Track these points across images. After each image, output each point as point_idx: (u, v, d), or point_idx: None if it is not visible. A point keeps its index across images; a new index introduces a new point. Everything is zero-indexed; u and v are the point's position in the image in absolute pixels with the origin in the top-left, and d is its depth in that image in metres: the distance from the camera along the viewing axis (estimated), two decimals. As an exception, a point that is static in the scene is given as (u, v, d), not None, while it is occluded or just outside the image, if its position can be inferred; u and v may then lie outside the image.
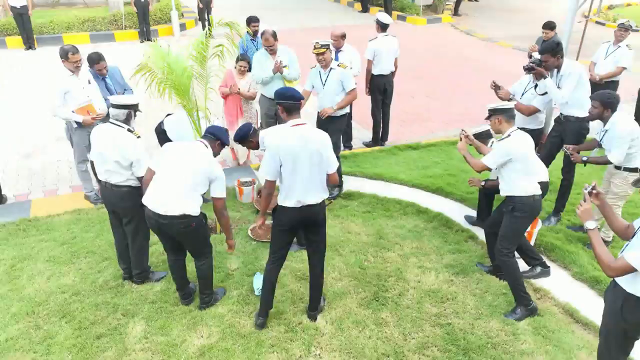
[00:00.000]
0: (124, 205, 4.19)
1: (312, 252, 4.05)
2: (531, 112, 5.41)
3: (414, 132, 8.48)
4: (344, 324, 4.06)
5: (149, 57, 4.83)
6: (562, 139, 5.43)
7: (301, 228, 3.95)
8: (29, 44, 12.91)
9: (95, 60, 5.65)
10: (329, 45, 5.61)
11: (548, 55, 5.08)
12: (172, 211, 3.69)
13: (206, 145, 3.88)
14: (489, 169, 4.25)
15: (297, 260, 4.85)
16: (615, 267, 2.79)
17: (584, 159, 4.77)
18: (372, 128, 7.59)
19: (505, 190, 4.19)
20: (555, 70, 5.24)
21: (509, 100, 5.45)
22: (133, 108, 4.11)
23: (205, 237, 4.05)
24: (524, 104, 5.49)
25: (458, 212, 5.71)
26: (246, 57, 6.40)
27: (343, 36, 6.68)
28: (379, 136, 7.64)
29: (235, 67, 6.39)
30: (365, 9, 18.53)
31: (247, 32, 7.05)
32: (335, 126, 5.80)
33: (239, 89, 6.37)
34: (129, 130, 4.06)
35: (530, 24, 16.55)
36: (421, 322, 4.10)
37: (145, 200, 3.78)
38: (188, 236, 3.86)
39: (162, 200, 3.71)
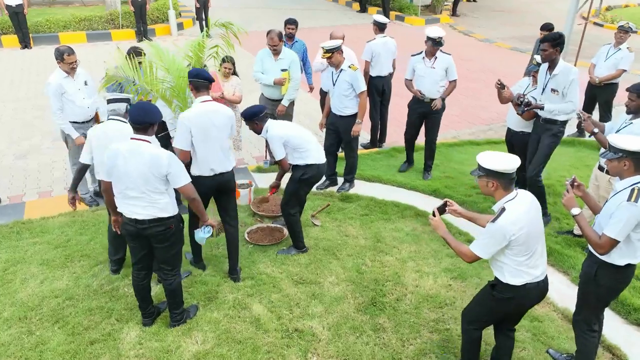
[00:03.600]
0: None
1: (229, 226, 4.50)
2: (531, 117, 5.34)
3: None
4: (341, 330, 4.01)
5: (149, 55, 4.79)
6: (538, 141, 5.27)
7: (215, 195, 4.41)
8: (25, 43, 12.83)
9: (138, 53, 5.35)
10: (336, 47, 5.57)
11: (548, 44, 4.87)
12: (147, 215, 3.60)
13: (147, 141, 3.53)
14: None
15: (294, 263, 4.80)
16: (603, 244, 3.06)
17: (595, 130, 4.43)
18: (370, 130, 7.54)
19: (495, 271, 3.14)
20: (546, 68, 5.04)
21: (518, 102, 5.17)
22: (128, 101, 4.22)
23: (179, 246, 3.88)
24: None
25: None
26: (231, 59, 6.17)
27: (342, 38, 6.63)
28: (377, 138, 7.59)
29: (219, 70, 6.23)
30: (363, 9, 18.49)
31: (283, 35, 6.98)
32: (346, 125, 5.85)
33: (223, 92, 6.26)
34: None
35: (528, 25, 16.57)
36: (419, 327, 4.06)
37: (119, 208, 3.68)
38: (166, 240, 3.70)
39: (132, 209, 3.61)
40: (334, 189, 6.20)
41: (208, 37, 4.80)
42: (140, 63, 4.77)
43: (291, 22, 7.00)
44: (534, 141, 5.30)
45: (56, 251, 4.91)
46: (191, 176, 3.85)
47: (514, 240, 2.89)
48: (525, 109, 5.13)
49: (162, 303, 4.18)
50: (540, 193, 5.25)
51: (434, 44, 5.96)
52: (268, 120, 4.66)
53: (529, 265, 2.99)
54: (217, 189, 4.35)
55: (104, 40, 13.94)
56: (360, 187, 6.27)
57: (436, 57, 6.05)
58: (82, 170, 4.32)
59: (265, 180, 6.43)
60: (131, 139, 3.57)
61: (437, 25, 16.75)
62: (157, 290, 4.33)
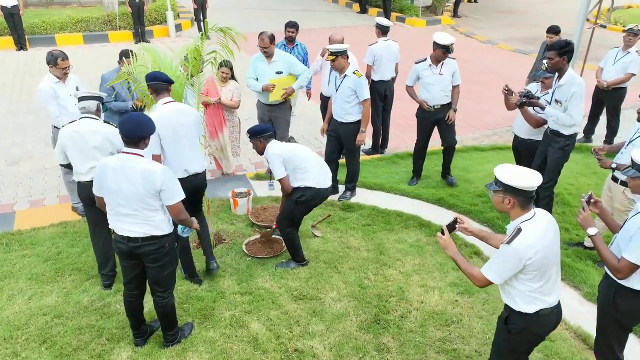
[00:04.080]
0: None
1: (202, 232, 4.45)
2: (539, 124, 5.14)
3: (414, 138, 8.20)
4: (343, 351, 3.81)
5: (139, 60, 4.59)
6: (546, 153, 5.07)
7: (189, 196, 3.93)
8: (21, 45, 12.62)
9: (127, 54, 5.19)
10: (341, 51, 5.38)
11: (554, 52, 4.64)
12: (140, 234, 3.40)
13: (139, 155, 3.33)
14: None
15: (294, 278, 4.61)
16: (622, 268, 2.89)
17: (613, 165, 4.22)
18: (372, 135, 7.35)
19: (504, 298, 2.92)
20: (557, 76, 4.84)
21: (521, 103, 4.99)
22: (100, 100, 4.25)
23: (174, 267, 3.67)
24: (530, 113, 5.24)
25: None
26: (229, 63, 6.02)
27: (342, 42, 6.42)
28: (379, 144, 7.40)
29: (217, 74, 6.06)
30: (363, 10, 18.30)
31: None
32: (349, 133, 5.68)
33: (220, 97, 6.08)
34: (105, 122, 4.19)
35: (530, 26, 16.38)
36: (425, 348, 3.87)
37: (111, 225, 3.49)
38: (160, 260, 3.49)
39: (124, 226, 3.42)
40: (335, 197, 6.01)
41: (207, 39, 4.60)
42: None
43: (291, 26, 6.80)
44: (542, 152, 5.12)
45: (46, 265, 4.71)
46: None
47: (529, 265, 2.64)
48: (524, 100, 4.96)
49: (156, 321, 3.98)
50: (549, 207, 5.13)
51: (445, 51, 5.72)
52: (272, 141, 4.52)
53: (543, 292, 2.75)
54: (193, 191, 4.18)
55: (101, 42, 13.73)
56: (362, 196, 6.08)
57: (443, 63, 5.84)
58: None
59: (265, 189, 6.25)
60: (122, 152, 3.38)
61: (440, 27, 16.61)
62: (150, 307, 4.13)
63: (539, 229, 2.67)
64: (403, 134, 8.32)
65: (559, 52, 4.62)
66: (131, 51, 5.28)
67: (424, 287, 4.53)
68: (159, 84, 4.09)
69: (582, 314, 4.23)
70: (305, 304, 4.30)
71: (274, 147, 4.48)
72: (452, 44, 5.74)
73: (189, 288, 4.44)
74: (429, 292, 4.46)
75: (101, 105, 4.25)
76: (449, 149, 6.30)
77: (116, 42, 13.71)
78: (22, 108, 8.93)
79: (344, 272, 4.72)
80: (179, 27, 14.99)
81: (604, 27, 16.51)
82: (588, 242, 4.98)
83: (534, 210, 2.74)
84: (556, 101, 4.83)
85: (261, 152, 4.55)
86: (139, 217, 3.37)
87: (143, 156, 3.36)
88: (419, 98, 6.05)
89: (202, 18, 13.90)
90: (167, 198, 3.37)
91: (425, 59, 5.95)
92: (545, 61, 5.35)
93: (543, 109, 4.89)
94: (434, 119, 6.09)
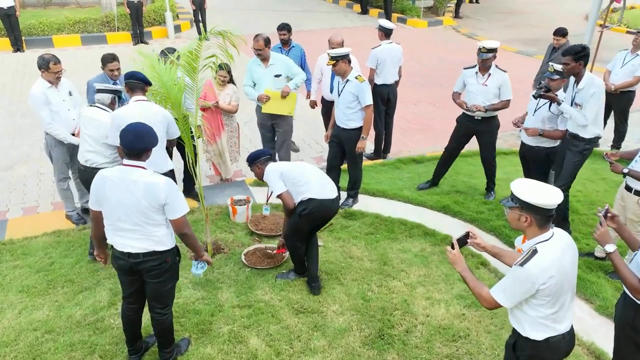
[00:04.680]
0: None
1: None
2: (562, 136, 5.03)
3: (416, 142, 8.09)
4: (346, 368, 3.66)
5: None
6: (564, 156, 5.01)
7: None
8: (17, 46, 12.45)
9: (109, 59, 5.16)
10: (342, 55, 5.22)
11: (570, 57, 4.58)
12: (141, 249, 3.25)
13: (142, 167, 3.18)
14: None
15: (295, 289, 4.45)
16: None
17: (625, 170, 4.09)
18: (374, 140, 7.19)
19: (512, 321, 2.72)
20: (573, 80, 4.81)
21: (537, 94, 4.87)
22: (118, 93, 4.58)
23: (174, 282, 3.52)
24: (536, 120, 5.10)
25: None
26: (227, 66, 5.83)
27: (342, 44, 6.27)
28: (381, 148, 7.24)
29: (214, 78, 5.89)
30: (364, 11, 18.13)
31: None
32: (350, 139, 5.52)
33: (218, 101, 5.92)
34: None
35: (532, 27, 16.23)
36: (431, 365, 3.71)
37: (109, 240, 3.33)
38: (161, 276, 3.34)
39: (124, 241, 3.26)
40: (337, 204, 5.84)
41: (206, 40, 4.44)
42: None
43: (282, 28, 6.65)
44: (561, 154, 5.04)
45: (38, 276, 4.55)
46: None
47: (542, 290, 2.44)
48: (542, 92, 4.83)
49: (151, 336, 3.82)
50: (563, 211, 5.01)
51: (491, 52, 5.45)
52: (269, 163, 4.34)
53: (555, 319, 2.54)
54: None
55: (99, 43, 13.55)
56: (365, 203, 5.92)
57: (490, 74, 5.56)
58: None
59: (265, 195, 6.07)
60: (123, 164, 3.21)
61: (442, 28, 16.46)
62: (145, 321, 3.96)
63: (556, 252, 2.47)
64: (405, 137, 8.17)
65: (574, 57, 4.58)
66: (113, 54, 5.19)
67: (429, 299, 4.37)
68: (135, 82, 4.26)
69: (594, 328, 4.07)
70: (306, 318, 4.13)
71: (270, 164, 4.32)
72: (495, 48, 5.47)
73: (186, 301, 4.28)
74: (435, 305, 4.30)
75: (116, 99, 4.57)
76: (486, 165, 5.96)
77: (114, 44, 13.54)
78: (18, 110, 8.76)
79: (346, 283, 4.56)
80: (177, 28, 14.82)
81: (607, 27, 16.36)
82: (598, 252, 4.83)
83: (552, 230, 2.54)
84: (576, 104, 4.76)
85: (260, 177, 4.34)
86: (141, 232, 3.21)
87: (145, 168, 3.20)
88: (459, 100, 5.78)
89: (200, 19, 13.74)
90: (171, 211, 3.21)
91: (475, 66, 5.67)
92: (551, 63, 5.22)
93: (559, 103, 4.80)
94: (473, 129, 5.82)
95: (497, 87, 5.54)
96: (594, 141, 4.86)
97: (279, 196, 4.23)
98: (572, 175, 4.93)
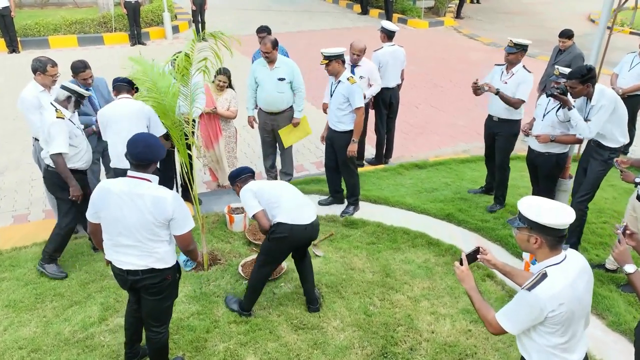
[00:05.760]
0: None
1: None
2: (575, 141, 4.86)
3: (418, 146, 7.92)
4: (347, 390, 3.48)
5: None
6: (585, 167, 4.88)
7: None
8: (13, 47, 12.29)
9: (80, 68, 4.90)
10: (335, 55, 5.07)
11: (576, 81, 4.39)
12: (141, 266, 3.08)
13: (147, 180, 3.03)
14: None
15: (295, 304, 4.27)
16: None
17: (637, 180, 3.90)
18: (376, 145, 7.01)
19: (520, 349, 2.51)
20: (585, 98, 4.61)
21: (551, 93, 4.64)
22: (76, 95, 4.41)
23: (172, 300, 3.36)
24: (546, 125, 4.91)
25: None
26: (227, 71, 5.71)
27: (364, 50, 6.09)
28: (383, 153, 7.06)
29: (213, 82, 5.71)
30: (364, 11, 17.97)
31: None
32: (340, 142, 5.36)
33: (216, 107, 5.74)
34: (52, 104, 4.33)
35: (534, 27, 16.04)
36: (437, 386, 3.53)
37: (108, 256, 3.17)
38: (160, 293, 3.18)
39: (124, 258, 3.10)
40: (337, 212, 5.66)
41: (203, 41, 4.26)
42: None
43: (262, 30, 6.47)
44: (583, 166, 4.90)
45: (26, 289, 4.36)
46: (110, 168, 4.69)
47: (551, 317, 2.23)
48: (556, 92, 4.59)
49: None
50: (580, 222, 4.83)
51: (518, 48, 5.27)
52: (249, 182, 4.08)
53: (565, 349, 2.33)
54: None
55: (96, 44, 13.38)
56: (366, 210, 5.73)
57: (514, 73, 5.33)
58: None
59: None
60: (129, 176, 3.03)
61: (443, 29, 16.28)
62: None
63: (568, 277, 2.26)
64: (407, 142, 7.99)
65: (581, 81, 4.39)
66: (84, 62, 4.97)
67: (433, 314, 4.19)
68: (121, 84, 4.65)
69: (607, 345, 3.89)
70: (306, 334, 3.95)
71: (247, 184, 4.03)
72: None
73: (180, 316, 4.09)
74: (440, 320, 4.12)
75: (74, 100, 4.42)
76: (497, 170, 5.68)
77: (111, 44, 13.39)
78: (11, 113, 8.56)
79: (348, 296, 4.37)
80: (175, 29, 14.65)
81: (609, 28, 16.17)
82: (610, 264, 4.64)
83: (564, 253, 2.33)
84: (588, 120, 4.60)
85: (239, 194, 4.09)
86: (142, 249, 3.05)
87: (151, 181, 3.03)
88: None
89: (200, 20, 13.56)
90: (177, 227, 3.06)
91: (505, 63, 5.48)
92: (557, 66, 5.04)
93: (570, 109, 4.61)
94: (492, 131, 5.59)
95: (517, 86, 5.31)
96: (619, 150, 4.69)
97: (253, 216, 3.93)
98: (594, 186, 4.75)
